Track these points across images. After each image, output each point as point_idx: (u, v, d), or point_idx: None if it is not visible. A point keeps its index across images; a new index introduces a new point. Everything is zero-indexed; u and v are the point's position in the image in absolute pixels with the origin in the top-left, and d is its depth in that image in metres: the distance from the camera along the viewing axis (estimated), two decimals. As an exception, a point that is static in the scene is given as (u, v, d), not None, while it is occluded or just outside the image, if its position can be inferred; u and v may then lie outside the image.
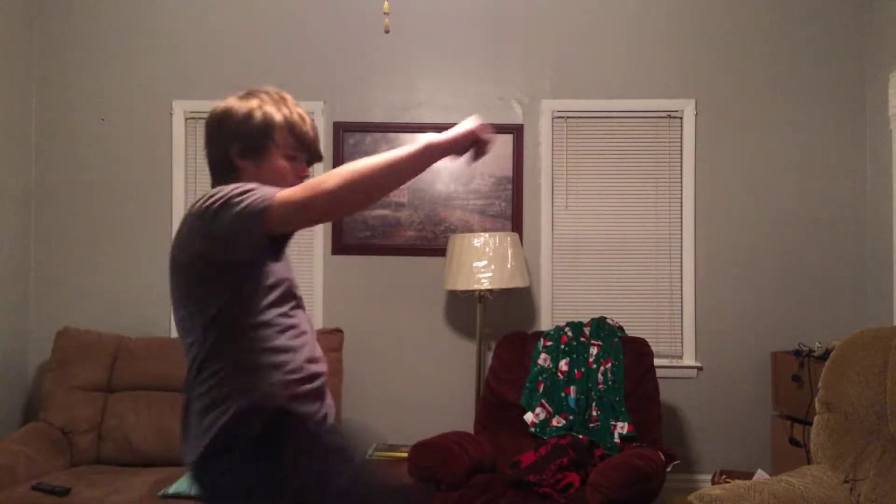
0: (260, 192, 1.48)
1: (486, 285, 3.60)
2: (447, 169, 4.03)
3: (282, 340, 1.60)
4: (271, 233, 1.49)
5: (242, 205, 1.47)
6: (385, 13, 2.98)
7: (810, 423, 2.82)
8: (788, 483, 2.49)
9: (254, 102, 1.68)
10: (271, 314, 1.60)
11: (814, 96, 3.98)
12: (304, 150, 1.71)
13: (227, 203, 1.49)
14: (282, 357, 1.59)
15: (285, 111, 1.69)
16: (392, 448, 3.64)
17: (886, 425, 2.55)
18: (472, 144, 1.56)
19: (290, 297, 1.67)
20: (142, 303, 4.02)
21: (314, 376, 1.65)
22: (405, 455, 3.28)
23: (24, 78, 4.02)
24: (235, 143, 1.66)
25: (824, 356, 3.23)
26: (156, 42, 4.09)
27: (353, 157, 4.02)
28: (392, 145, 4.03)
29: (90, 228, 4.06)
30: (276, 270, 1.64)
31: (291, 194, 1.46)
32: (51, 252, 4.05)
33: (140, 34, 4.09)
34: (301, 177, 1.70)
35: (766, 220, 3.98)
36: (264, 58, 4.05)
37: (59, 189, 4.07)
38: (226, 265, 1.55)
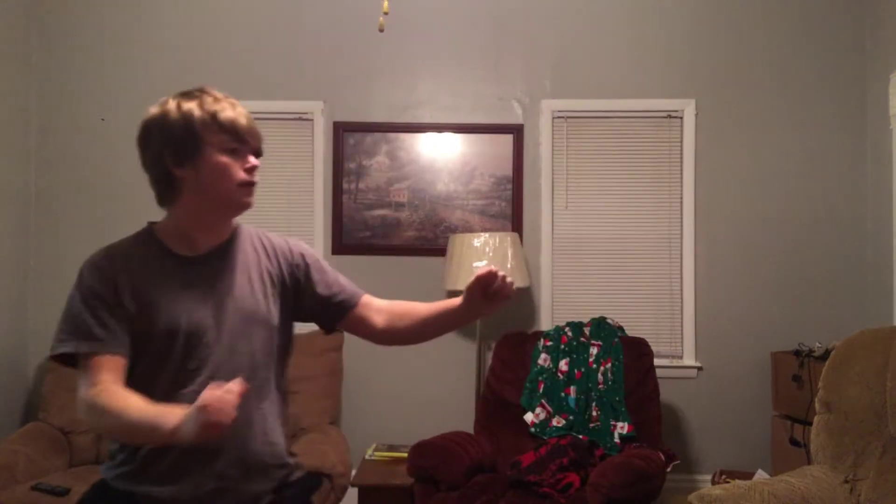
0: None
1: (486, 285, 3.59)
2: (447, 169, 4.03)
3: None
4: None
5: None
6: (384, 13, 2.98)
7: (810, 424, 2.82)
8: (788, 483, 2.49)
9: (171, 104, 1.56)
10: None
11: (814, 96, 3.98)
12: (242, 141, 1.56)
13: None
14: None
15: (208, 103, 1.55)
16: (392, 448, 3.64)
17: (886, 425, 2.55)
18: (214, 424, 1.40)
19: None
20: (142, 303, 4.01)
21: None
22: (405, 455, 3.28)
23: (24, 78, 4.02)
24: (165, 151, 1.54)
25: (824, 356, 3.23)
26: (156, 42, 4.09)
27: (353, 158, 4.03)
28: (392, 145, 4.03)
29: (90, 228, 4.05)
30: None
31: (81, 397, 1.50)
32: (50, 252, 4.05)
33: (140, 34, 4.09)
34: (249, 169, 1.58)
35: (766, 219, 3.98)
36: (264, 58, 4.05)
37: (59, 189, 4.07)
38: None
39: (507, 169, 4.02)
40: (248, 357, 1.62)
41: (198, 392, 1.38)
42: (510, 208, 4.02)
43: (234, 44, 4.07)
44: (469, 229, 3.99)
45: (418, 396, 3.99)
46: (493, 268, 1.64)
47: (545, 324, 3.97)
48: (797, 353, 3.56)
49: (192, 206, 1.57)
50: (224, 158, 1.54)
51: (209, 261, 1.63)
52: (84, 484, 3.09)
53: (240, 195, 1.58)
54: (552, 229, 4.03)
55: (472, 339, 3.90)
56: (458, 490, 3.05)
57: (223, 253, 1.65)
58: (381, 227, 4.03)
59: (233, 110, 1.56)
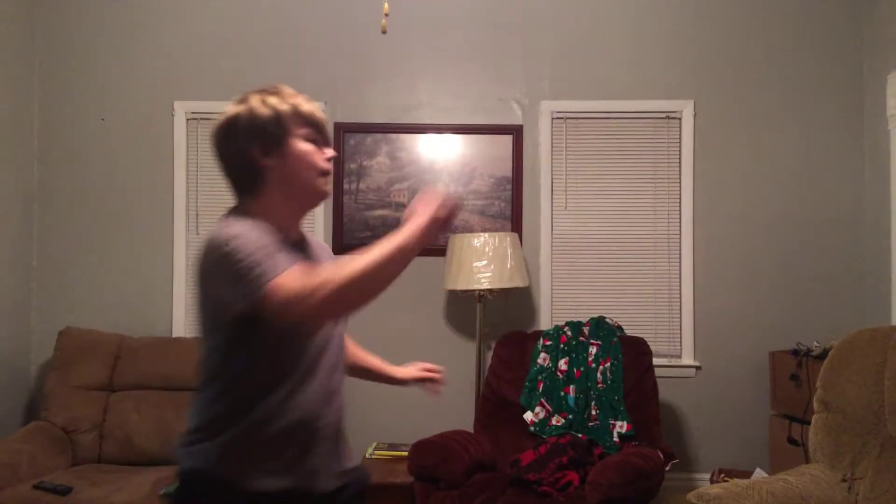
0: (261, 266, 1.44)
1: (485, 285, 3.61)
2: (447, 169, 4.04)
3: None
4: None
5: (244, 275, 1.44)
6: (385, 14, 2.99)
7: (808, 423, 2.83)
8: (787, 482, 2.50)
9: (255, 100, 1.62)
10: None
11: (812, 97, 4.00)
12: (321, 132, 1.65)
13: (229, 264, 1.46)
14: None
15: (288, 97, 1.64)
16: (392, 447, 3.66)
17: (884, 424, 2.56)
18: (448, 213, 1.55)
19: None
20: (143, 302, 4.03)
21: None
22: (405, 454, 3.29)
23: (27, 79, 4.03)
24: (253, 143, 1.59)
25: (822, 355, 3.24)
26: (157, 43, 4.10)
27: (353, 158, 4.04)
28: (392, 146, 4.05)
29: (92, 228, 4.07)
30: None
31: (290, 282, 1.42)
32: (53, 252, 4.06)
33: (141, 35, 4.10)
34: (327, 159, 1.66)
35: (764, 220, 3.99)
36: (265, 58, 4.06)
37: (61, 189, 4.08)
38: None
39: (507, 169, 4.04)
40: (340, 335, 1.73)
41: (325, 369, 1.59)
42: (510, 208, 4.03)
43: (235, 45, 4.08)
44: (469, 229, 4.00)
45: (418, 395, 3.97)
46: (436, 376, 1.96)
47: (544, 323, 3.98)
48: (795, 352, 3.57)
49: (276, 196, 1.61)
50: (308, 147, 1.62)
51: (303, 247, 1.70)
52: (87, 482, 3.14)
53: (321, 183, 1.65)
54: (551, 229, 4.05)
55: (472, 338, 3.91)
56: (458, 488, 3.07)
57: (305, 242, 1.73)
58: (381, 227, 4.04)
59: (309, 105, 1.65)
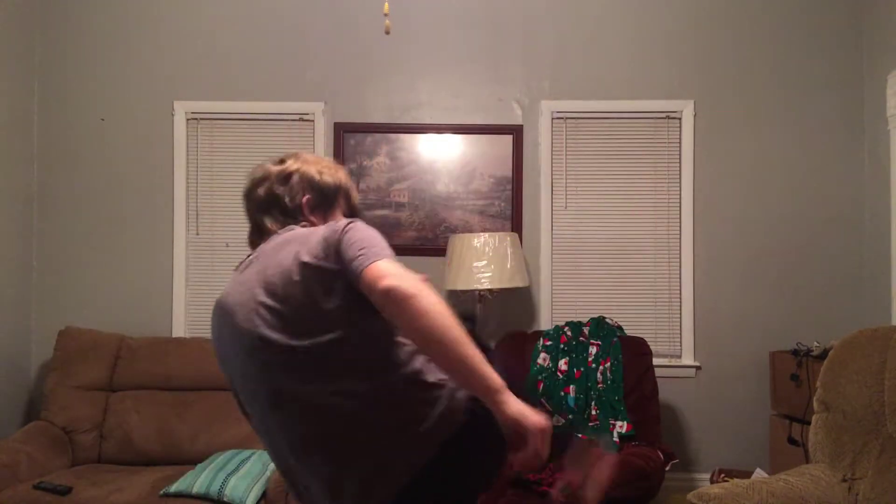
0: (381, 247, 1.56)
1: (485, 285, 3.61)
2: (447, 169, 4.04)
3: None
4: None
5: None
6: (385, 14, 2.99)
7: (809, 423, 2.83)
8: (787, 482, 2.50)
9: (324, 163, 1.84)
10: None
11: (812, 97, 4.00)
12: (353, 214, 1.85)
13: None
14: None
15: (343, 178, 1.85)
16: (392, 447, 3.65)
17: (884, 424, 2.56)
18: (520, 435, 1.46)
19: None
20: (143, 302, 4.03)
21: None
22: (405, 454, 3.29)
23: (26, 79, 4.03)
24: (309, 196, 1.78)
25: (822, 355, 3.24)
26: (157, 43, 4.10)
27: (353, 158, 4.03)
28: (392, 146, 4.05)
29: (92, 228, 4.07)
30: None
31: (399, 273, 1.48)
32: (52, 252, 4.06)
33: (141, 35, 4.10)
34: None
35: (764, 220, 3.99)
36: (265, 58, 4.06)
37: (61, 189, 4.08)
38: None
39: (507, 169, 4.04)
40: None
41: None
42: (510, 208, 4.03)
43: (236, 46, 4.08)
44: (469, 229, 4.00)
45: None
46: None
47: (544, 323, 3.98)
48: (795, 352, 3.57)
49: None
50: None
51: None
52: (86, 483, 3.14)
53: None
54: (551, 229, 4.05)
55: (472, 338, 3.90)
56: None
57: None
58: (381, 227, 4.02)
59: (355, 190, 1.90)
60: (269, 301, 1.56)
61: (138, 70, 4.09)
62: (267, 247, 1.68)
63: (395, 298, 1.43)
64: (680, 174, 4.02)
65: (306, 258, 1.56)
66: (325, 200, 1.79)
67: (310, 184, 1.78)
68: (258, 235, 1.77)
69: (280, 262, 1.59)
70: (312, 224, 1.76)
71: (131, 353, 3.70)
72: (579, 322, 3.74)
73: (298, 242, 1.61)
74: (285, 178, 1.78)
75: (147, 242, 4.06)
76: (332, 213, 1.80)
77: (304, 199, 1.77)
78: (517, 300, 3.99)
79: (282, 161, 1.82)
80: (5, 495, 3.00)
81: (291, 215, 1.76)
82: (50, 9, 4.09)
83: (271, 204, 1.76)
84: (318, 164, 1.83)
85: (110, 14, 4.10)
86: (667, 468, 3.16)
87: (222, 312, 1.66)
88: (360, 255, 1.51)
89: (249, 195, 1.80)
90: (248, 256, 1.72)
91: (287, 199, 1.76)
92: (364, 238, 1.56)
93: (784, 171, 4.00)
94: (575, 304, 4.00)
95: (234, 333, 1.61)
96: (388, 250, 1.55)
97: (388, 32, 2.91)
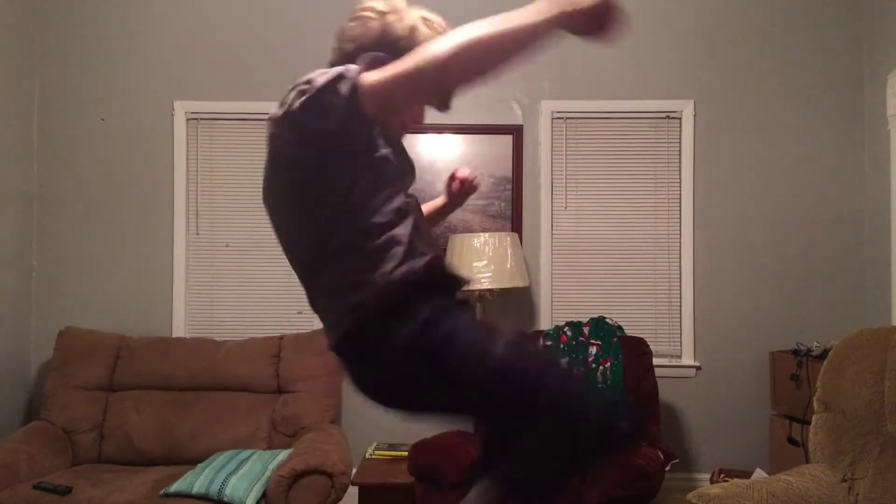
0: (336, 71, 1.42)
1: (485, 285, 3.61)
2: (447, 169, 4.03)
3: None
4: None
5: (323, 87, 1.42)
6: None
7: (808, 423, 2.83)
8: (787, 482, 2.50)
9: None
10: None
11: (812, 97, 4.00)
12: None
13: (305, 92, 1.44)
14: None
15: None
16: (392, 447, 3.65)
17: (884, 424, 2.56)
18: (600, 19, 1.37)
19: None
20: (143, 302, 4.03)
21: None
22: (405, 454, 3.29)
23: (26, 79, 4.03)
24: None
25: (822, 355, 3.24)
26: (157, 43, 4.10)
27: (353, 158, 4.02)
28: (392, 145, 4.04)
29: (92, 228, 4.07)
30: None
31: (393, 69, 1.37)
32: (52, 252, 4.06)
33: (141, 35, 4.10)
34: (417, 119, 1.78)
35: (764, 220, 3.99)
36: (264, 58, 4.06)
37: (61, 189, 4.08)
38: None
39: (507, 169, 4.03)
40: None
41: None
42: (510, 208, 4.03)
43: (234, 45, 4.08)
44: (469, 229, 4.00)
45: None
46: (469, 174, 1.90)
47: (544, 323, 3.98)
48: (795, 352, 3.57)
49: None
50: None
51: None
52: (86, 483, 3.14)
53: None
54: (551, 229, 4.05)
55: (472, 338, 3.90)
56: (458, 489, 3.06)
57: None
58: (381, 227, 4.03)
59: None
60: None
61: (138, 70, 4.09)
62: None
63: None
64: (680, 174, 4.02)
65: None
66: None
67: None
68: None
69: None
70: None
71: (131, 353, 3.70)
72: (579, 322, 3.74)
73: None
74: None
75: (147, 242, 4.06)
76: None
77: None
78: (517, 300, 3.99)
79: None
80: (5, 495, 3.00)
81: None
82: (50, 8, 4.09)
83: None
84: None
85: (110, 13, 4.10)
86: (667, 468, 3.16)
87: None
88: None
89: None
90: None
91: None
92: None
93: (784, 171, 4.00)
94: (575, 304, 4.00)
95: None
96: None
97: None
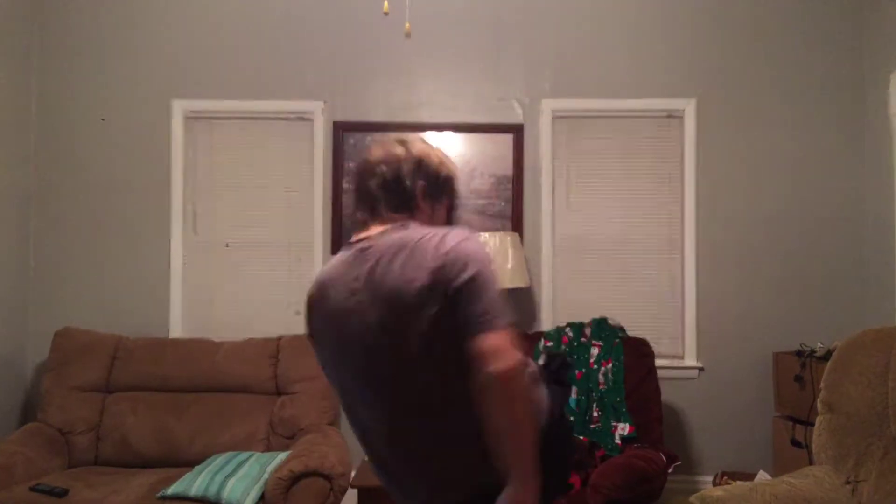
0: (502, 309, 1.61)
1: (486, 285, 3.58)
2: (447, 169, 4.01)
3: None
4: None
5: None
6: (385, 13, 2.98)
7: (812, 424, 2.81)
8: (790, 484, 2.48)
9: (442, 153, 1.86)
10: None
11: (814, 96, 3.97)
12: (454, 208, 1.90)
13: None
14: None
15: (456, 172, 1.89)
16: (392, 449, 3.63)
17: (888, 426, 2.54)
18: None
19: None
20: (141, 303, 4.01)
21: None
22: (405, 456, 3.26)
23: (24, 78, 4.01)
24: (424, 184, 1.80)
25: (826, 357, 3.22)
26: (155, 42, 4.08)
27: (353, 157, 4.01)
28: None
29: (89, 228, 4.05)
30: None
31: (508, 352, 1.54)
32: (50, 252, 4.04)
33: (140, 34, 4.08)
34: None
35: (767, 219, 3.97)
36: (264, 58, 4.04)
37: (59, 189, 4.06)
38: None
39: (508, 169, 4.01)
40: None
41: None
42: (510, 208, 4.01)
43: (235, 44, 4.06)
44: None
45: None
46: None
47: (545, 324, 3.96)
48: (799, 353, 3.55)
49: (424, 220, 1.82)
50: (444, 213, 1.87)
51: None
52: (83, 484, 3.12)
53: None
54: (552, 229, 4.02)
55: (473, 339, 3.88)
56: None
57: None
58: (380, 227, 4.01)
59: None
60: (376, 309, 1.65)
61: (136, 69, 4.07)
62: (381, 244, 1.71)
63: (494, 386, 1.49)
64: (682, 173, 4.00)
65: (417, 284, 1.61)
66: (437, 190, 1.82)
67: (427, 171, 1.80)
68: (370, 215, 1.80)
69: (393, 273, 1.65)
70: (422, 212, 1.79)
71: (128, 354, 3.67)
72: (580, 323, 3.71)
73: (409, 253, 1.64)
74: (413, 161, 1.80)
75: (145, 242, 4.04)
76: (440, 203, 1.83)
77: (420, 186, 1.79)
78: (518, 301, 3.96)
79: (403, 143, 1.84)
80: (1, 497, 2.98)
81: (406, 201, 1.78)
82: (48, 8, 4.08)
83: (390, 187, 1.78)
84: (438, 152, 1.87)
85: (108, 13, 4.08)
86: (669, 470, 3.14)
87: (323, 295, 1.79)
88: (481, 320, 1.57)
89: (368, 173, 1.80)
90: (360, 240, 1.78)
91: (408, 182, 1.78)
92: (490, 299, 1.60)
93: (787, 171, 3.97)
94: (576, 305, 3.97)
95: (336, 321, 1.74)
96: (506, 313, 1.61)
97: (408, 36, 2.95)
